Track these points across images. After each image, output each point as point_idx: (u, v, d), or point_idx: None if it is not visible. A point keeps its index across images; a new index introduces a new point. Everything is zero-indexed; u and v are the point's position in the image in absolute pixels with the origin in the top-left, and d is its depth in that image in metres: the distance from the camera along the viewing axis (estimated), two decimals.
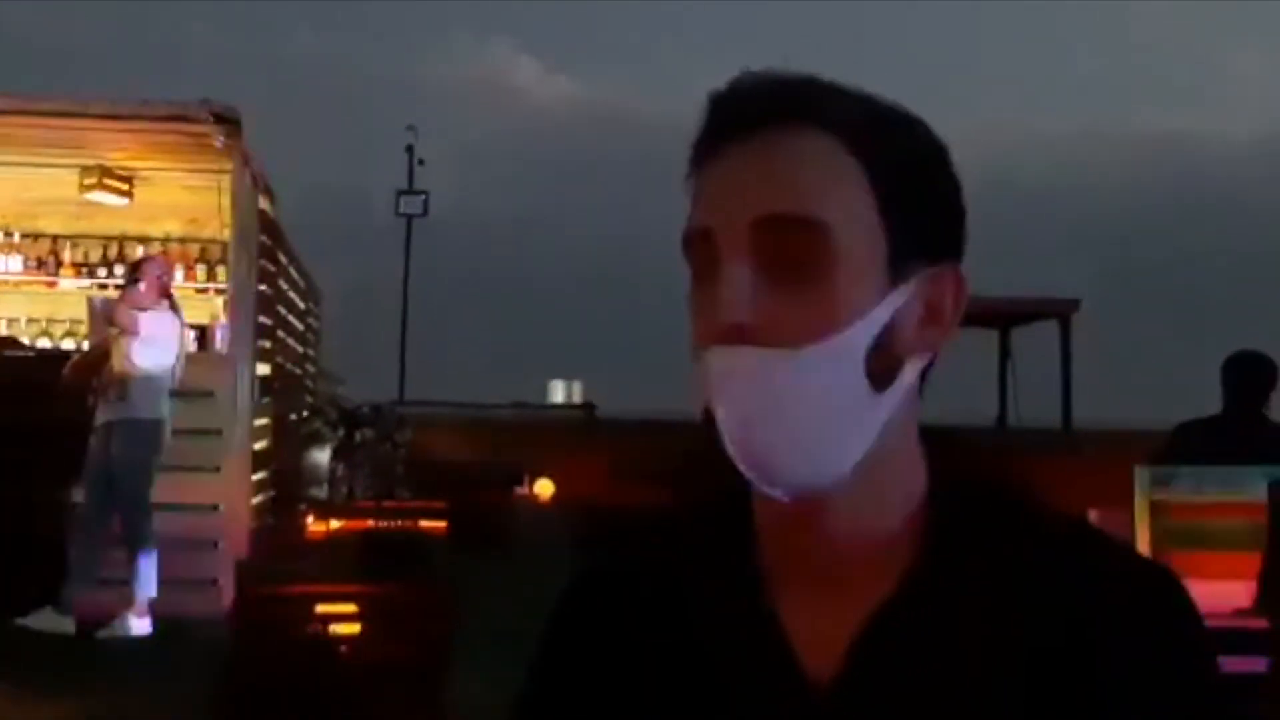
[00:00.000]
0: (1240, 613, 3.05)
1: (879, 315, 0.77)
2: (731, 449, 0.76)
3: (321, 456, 10.26)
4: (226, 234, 6.93)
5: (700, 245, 0.78)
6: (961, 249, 0.83)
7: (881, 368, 0.77)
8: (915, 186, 0.79)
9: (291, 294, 9.41)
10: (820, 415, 0.76)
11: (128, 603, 5.51)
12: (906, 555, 0.79)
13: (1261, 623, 2.81)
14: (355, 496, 10.04)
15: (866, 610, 0.78)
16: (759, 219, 0.76)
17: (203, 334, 7.66)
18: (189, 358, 6.04)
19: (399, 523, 8.67)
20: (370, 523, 8.60)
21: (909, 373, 0.79)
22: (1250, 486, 3.17)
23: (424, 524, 8.62)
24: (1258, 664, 2.75)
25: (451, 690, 3.42)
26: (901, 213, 0.78)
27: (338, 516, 9.04)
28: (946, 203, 0.82)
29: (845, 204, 0.77)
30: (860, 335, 0.76)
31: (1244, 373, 4.11)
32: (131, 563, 5.53)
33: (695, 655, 0.82)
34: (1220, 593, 3.19)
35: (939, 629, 0.77)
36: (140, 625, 5.53)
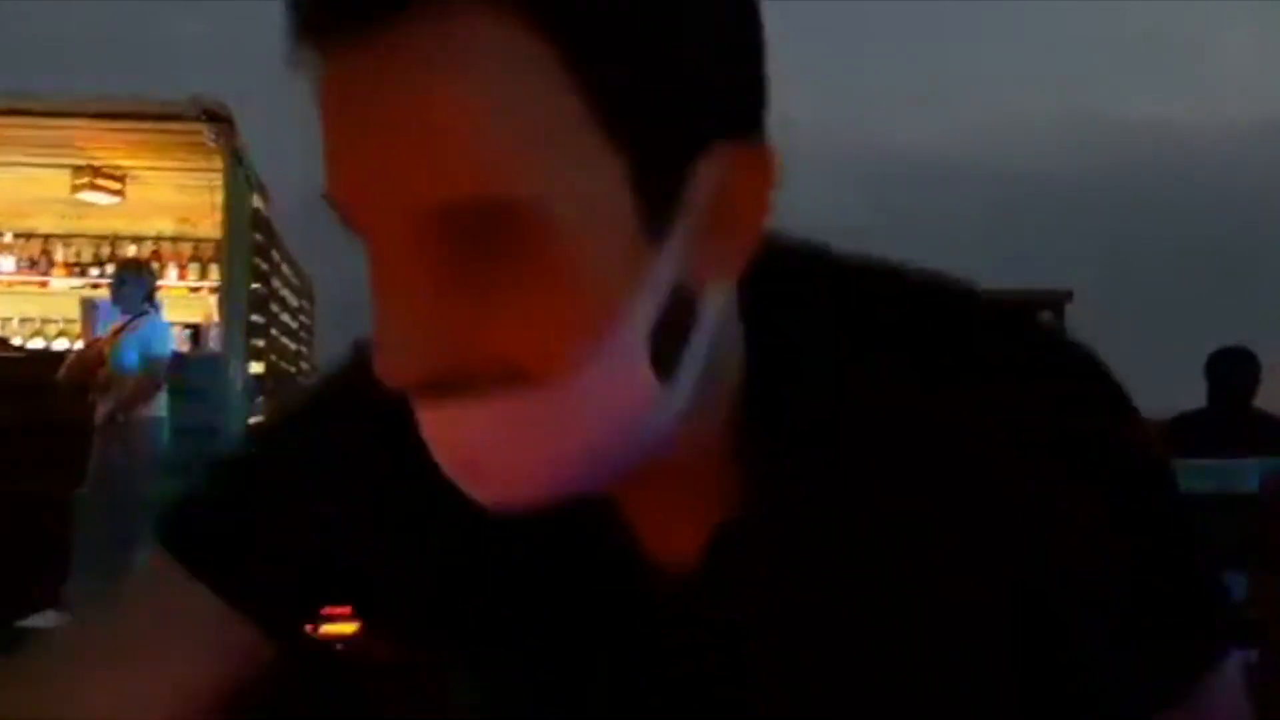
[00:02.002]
0: (1245, 601, 3.07)
1: (647, 292, 0.51)
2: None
3: None
4: (219, 232, 6.93)
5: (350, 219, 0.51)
6: (759, 113, 0.54)
7: (669, 344, 0.53)
8: (657, 57, 0.49)
9: (285, 292, 9.40)
10: (597, 444, 0.53)
11: None
12: (744, 445, 0.61)
13: (1253, 614, 2.83)
14: None
15: (714, 499, 0.62)
16: (423, 214, 0.48)
17: (196, 332, 7.65)
18: (182, 356, 6.05)
19: None
20: None
21: (709, 314, 0.55)
22: (1242, 479, 3.19)
23: None
24: (1248, 654, 2.78)
25: (453, 687, 3.42)
26: (641, 108, 0.49)
27: None
28: (718, 55, 0.52)
29: (549, 140, 0.48)
30: (628, 330, 0.51)
31: (1231, 369, 4.15)
32: (131, 562, 5.53)
33: (505, 535, 0.63)
34: None
35: (799, 507, 0.61)
36: None
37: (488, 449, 0.53)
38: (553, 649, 0.68)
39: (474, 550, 0.67)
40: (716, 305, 0.55)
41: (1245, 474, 3.26)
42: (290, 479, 0.70)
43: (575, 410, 0.51)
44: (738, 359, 0.60)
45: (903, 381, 0.59)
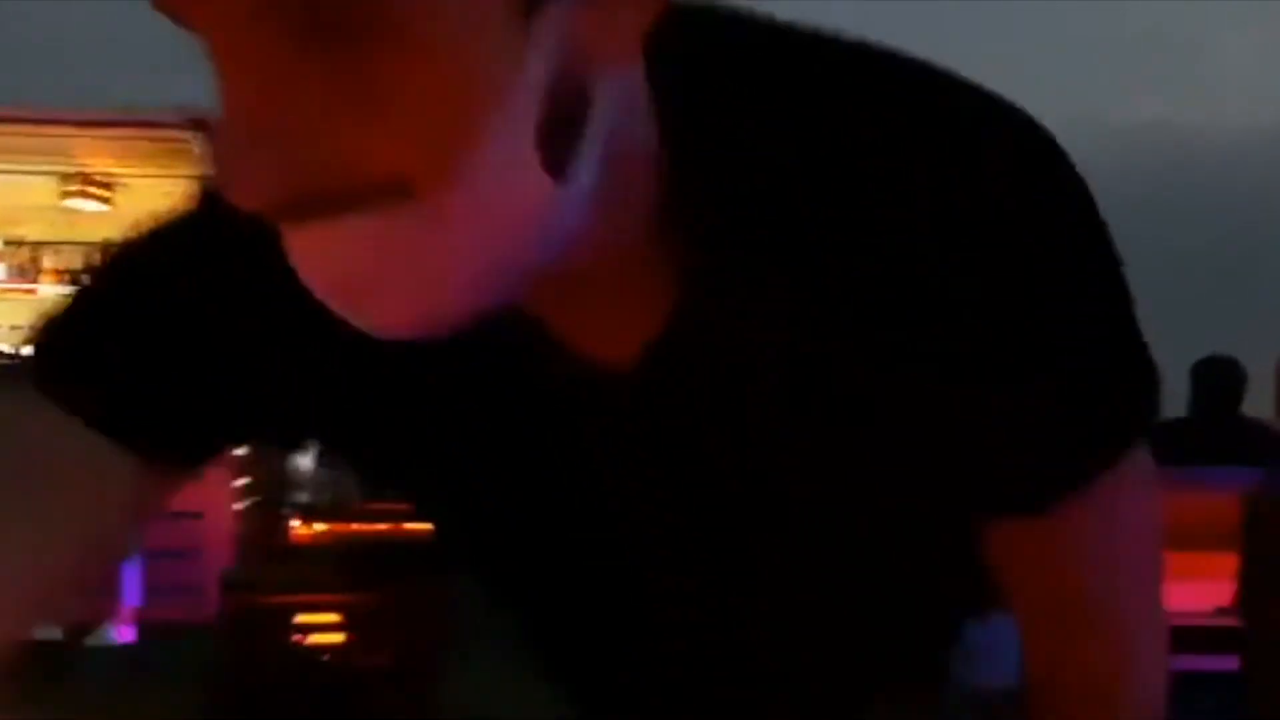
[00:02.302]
0: (1221, 611, 3.08)
1: (530, 80, 0.45)
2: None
3: (305, 460, 10.22)
4: None
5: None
6: None
7: (562, 138, 0.47)
8: None
9: None
10: (489, 255, 0.47)
11: (112, 611, 5.51)
12: (669, 240, 0.56)
13: (1235, 622, 2.84)
14: (339, 499, 10.00)
15: (644, 298, 0.58)
16: (271, 4, 0.42)
17: None
18: None
19: (384, 525, 8.64)
20: (355, 526, 8.57)
21: (607, 100, 0.49)
22: (1225, 487, 3.21)
23: (409, 525, 8.60)
24: (1229, 663, 2.80)
25: (441, 698, 3.42)
26: None
27: (322, 520, 8.98)
28: None
29: None
30: (512, 125, 0.45)
31: (1214, 377, 4.17)
32: (116, 570, 5.53)
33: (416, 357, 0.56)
34: (1196, 592, 3.23)
35: (734, 300, 0.57)
36: (125, 633, 5.53)
37: (367, 272, 0.47)
38: (488, 465, 0.64)
39: (385, 369, 0.61)
40: (615, 89, 0.49)
41: (1230, 482, 3.28)
42: (166, 307, 0.65)
43: (461, 220, 0.46)
44: (653, 146, 0.54)
45: (836, 162, 0.55)
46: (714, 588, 0.68)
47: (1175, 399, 4.30)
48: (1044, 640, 0.68)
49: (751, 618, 0.69)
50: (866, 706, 0.75)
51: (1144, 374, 0.63)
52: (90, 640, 5.45)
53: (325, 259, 0.47)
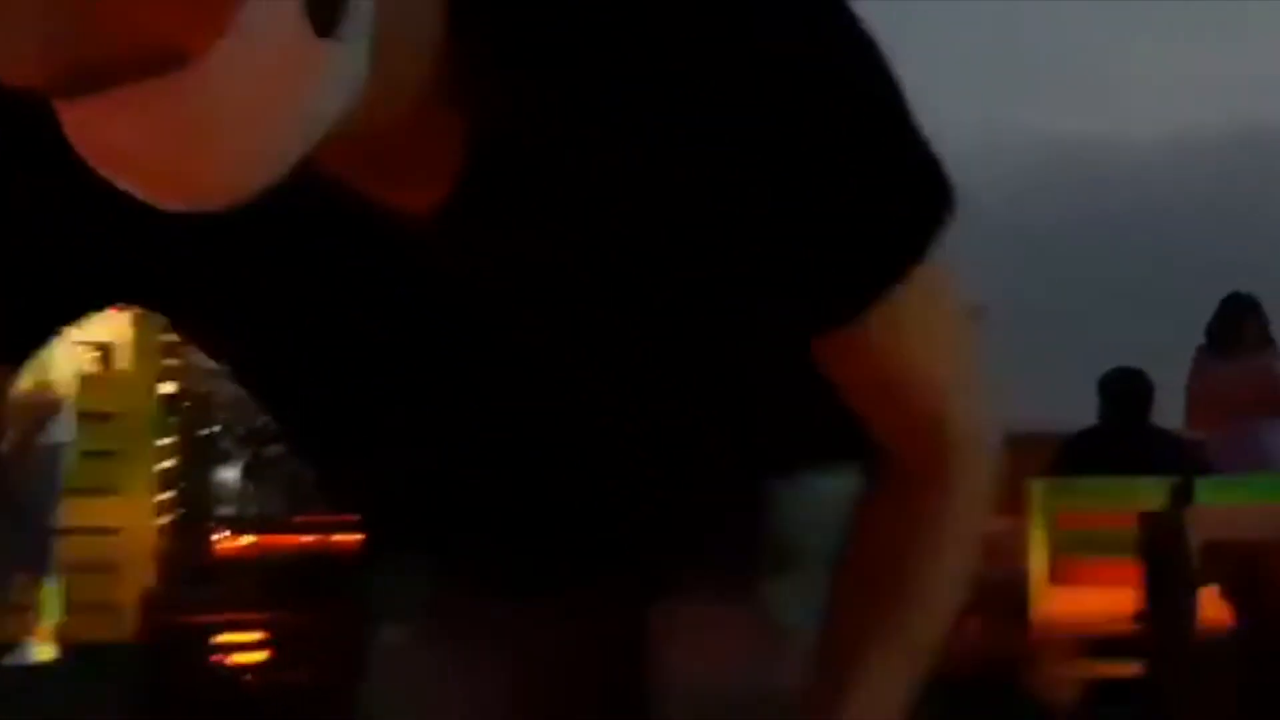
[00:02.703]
0: (1135, 617, 3.15)
1: None
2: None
3: (230, 474, 10.12)
4: None
5: None
6: None
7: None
8: None
9: None
10: (266, 118, 0.47)
11: (31, 629, 5.42)
12: (459, 89, 0.57)
13: (1146, 628, 2.91)
14: (265, 514, 9.91)
15: (444, 147, 0.58)
16: None
17: (105, 352, 7.52)
18: (91, 378, 5.97)
19: (311, 538, 8.57)
20: (281, 540, 8.49)
21: None
22: (1141, 496, 3.29)
23: (337, 539, 8.52)
24: (1133, 668, 2.87)
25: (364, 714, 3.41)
26: None
27: (247, 534, 8.89)
28: None
29: None
30: None
31: (1122, 388, 4.28)
32: (35, 588, 5.44)
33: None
34: (1112, 599, 3.30)
35: (530, 136, 0.58)
36: (43, 651, 5.44)
37: (146, 145, 0.46)
38: (301, 323, 0.65)
39: (189, 237, 0.57)
40: None
41: (1140, 492, 3.36)
42: None
43: (231, 84, 0.45)
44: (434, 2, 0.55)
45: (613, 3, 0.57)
46: (537, 420, 0.69)
47: (1085, 409, 4.40)
48: (885, 435, 0.69)
49: (572, 450, 0.71)
50: (681, 549, 0.78)
51: (931, 177, 0.64)
52: (9, 659, 5.35)
53: (98, 132, 0.46)
